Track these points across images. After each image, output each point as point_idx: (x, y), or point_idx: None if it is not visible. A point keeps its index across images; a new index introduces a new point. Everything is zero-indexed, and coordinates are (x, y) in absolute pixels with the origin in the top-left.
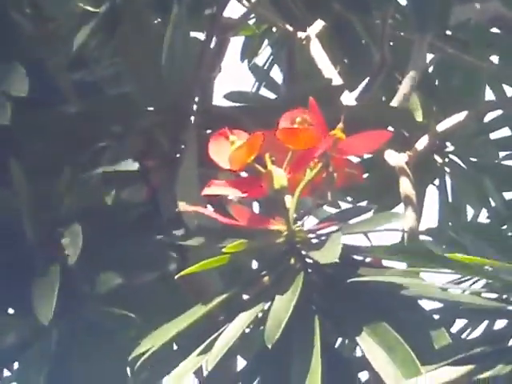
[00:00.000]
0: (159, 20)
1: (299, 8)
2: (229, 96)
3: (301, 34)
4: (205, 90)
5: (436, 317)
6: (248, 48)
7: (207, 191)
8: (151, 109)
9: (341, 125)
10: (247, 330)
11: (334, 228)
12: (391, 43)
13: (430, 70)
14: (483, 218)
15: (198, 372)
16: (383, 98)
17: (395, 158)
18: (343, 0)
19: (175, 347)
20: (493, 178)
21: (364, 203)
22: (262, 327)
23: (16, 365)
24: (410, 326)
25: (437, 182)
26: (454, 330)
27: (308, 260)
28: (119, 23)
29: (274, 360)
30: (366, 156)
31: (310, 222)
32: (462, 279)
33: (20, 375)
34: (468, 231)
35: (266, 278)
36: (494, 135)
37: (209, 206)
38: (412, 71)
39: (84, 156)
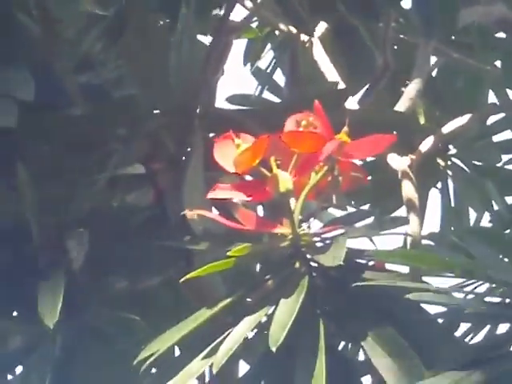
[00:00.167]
0: (164, 23)
1: (305, 9)
2: (231, 99)
3: (304, 37)
4: (210, 92)
5: (440, 321)
6: (251, 51)
7: (212, 195)
8: (157, 112)
9: (346, 128)
10: (250, 334)
11: (339, 232)
12: (395, 47)
13: (434, 73)
14: (485, 221)
15: (200, 378)
16: (387, 102)
17: (398, 162)
18: (349, 3)
19: (178, 352)
20: (495, 182)
21: (366, 206)
22: (265, 331)
23: (19, 369)
24: (414, 330)
25: (439, 185)
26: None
27: (313, 264)
28: (126, 26)
29: (277, 364)
30: (368, 159)
31: (315, 225)
32: (465, 283)
33: (24, 379)
34: (472, 235)
35: (271, 282)
36: (496, 138)
37: (214, 209)
38: (417, 76)
39: (90, 159)
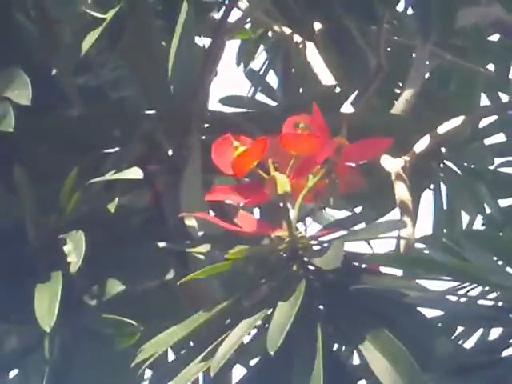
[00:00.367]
0: (163, 24)
1: (301, 9)
2: (224, 100)
3: (297, 38)
4: (206, 94)
5: (437, 324)
6: (244, 52)
7: (210, 197)
8: (155, 113)
9: (344, 131)
10: (247, 338)
11: (336, 235)
12: (388, 49)
13: (426, 75)
14: (478, 224)
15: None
16: (380, 104)
17: (391, 163)
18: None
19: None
20: (488, 185)
21: (358, 208)
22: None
23: (15, 372)
24: (411, 333)
25: (432, 187)
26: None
27: (310, 267)
28: (124, 28)
29: (275, 367)
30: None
31: (312, 228)
32: (459, 286)
33: (21, 381)
34: (466, 238)
35: (268, 285)
36: (489, 141)
37: (211, 211)
38: (414, 78)
39: (88, 161)
